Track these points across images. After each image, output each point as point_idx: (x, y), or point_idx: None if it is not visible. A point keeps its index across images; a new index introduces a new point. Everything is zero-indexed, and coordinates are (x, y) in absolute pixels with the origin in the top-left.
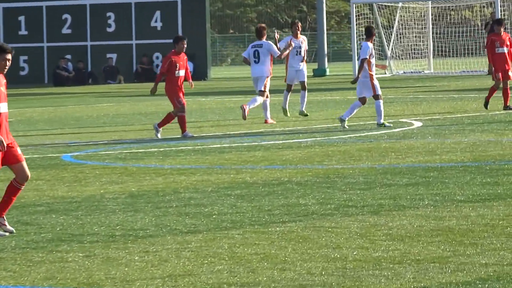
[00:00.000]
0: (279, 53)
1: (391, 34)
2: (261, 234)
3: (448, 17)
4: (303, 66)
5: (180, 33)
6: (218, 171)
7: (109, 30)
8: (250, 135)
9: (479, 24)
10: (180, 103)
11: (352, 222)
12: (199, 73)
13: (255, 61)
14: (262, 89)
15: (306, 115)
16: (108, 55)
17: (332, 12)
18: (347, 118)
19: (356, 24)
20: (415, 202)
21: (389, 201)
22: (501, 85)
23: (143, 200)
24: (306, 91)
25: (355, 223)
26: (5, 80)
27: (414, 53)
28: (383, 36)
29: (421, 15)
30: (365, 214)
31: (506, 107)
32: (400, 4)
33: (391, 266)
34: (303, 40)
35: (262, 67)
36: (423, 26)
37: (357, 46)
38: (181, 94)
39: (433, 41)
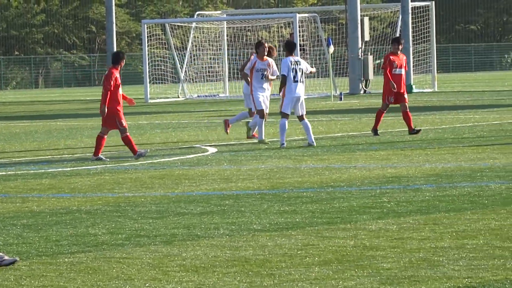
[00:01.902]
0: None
1: (185, 56)
2: (49, 266)
3: (244, 38)
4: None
5: None
6: (3, 199)
7: None
8: (37, 162)
9: (277, 45)
10: (122, 125)
11: (144, 253)
12: None
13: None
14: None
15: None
16: None
17: (123, 33)
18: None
19: (148, 46)
20: (209, 231)
21: (182, 231)
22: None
23: None
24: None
25: (147, 253)
26: None
27: (209, 75)
28: (176, 58)
29: (216, 36)
30: (158, 244)
31: (412, 131)
32: (193, 25)
33: None
34: (269, 63)
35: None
36: (218, 47)
37: (148, 67)
38: (122, 115)
39: (229, 63)
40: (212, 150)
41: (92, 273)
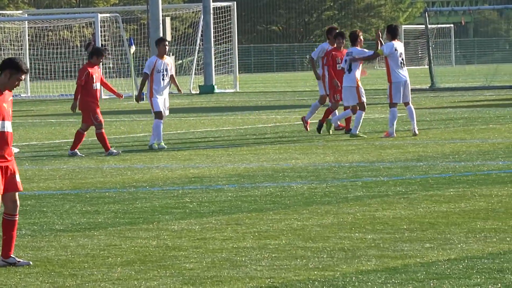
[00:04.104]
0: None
1: None
2: None
3: (46, 38)
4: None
5: None
6: None
7: None
8: None
9: (79, 45)
10: (97, 120)
11: None
12: None
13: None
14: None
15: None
16: None
17: None
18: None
19: None
20: None
21: None
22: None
23: None
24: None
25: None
26: (11, 97)
27: None
28: None
29: (17, 36)
30: None
31: (347, 131)
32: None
33: None
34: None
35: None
36: (20, 47)
37: None
38: (98, 110)
39: (30, 63)
40: (15, 150)
41: None
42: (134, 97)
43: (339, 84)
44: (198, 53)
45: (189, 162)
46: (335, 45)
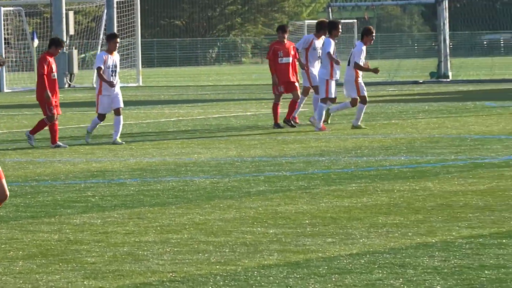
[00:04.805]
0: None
1: None
2: None
3: None
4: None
5: None
6: None
7: None
8: None
9: None
10: (51, 111)
11: None
12: None
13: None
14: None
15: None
16: None
17: None
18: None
19: None
20: None
21: None
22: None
23: None
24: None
25: None
26: None
27: None
28: None
29: None
30: None
31: (287, 121)
32: None
33: None
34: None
35: None
36: None
37: None
38: (54, 101)
39: None
40: None
41: None
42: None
43: (277, 80)
44: (101, 47)
45: (92, 156)
46: (278, 39)
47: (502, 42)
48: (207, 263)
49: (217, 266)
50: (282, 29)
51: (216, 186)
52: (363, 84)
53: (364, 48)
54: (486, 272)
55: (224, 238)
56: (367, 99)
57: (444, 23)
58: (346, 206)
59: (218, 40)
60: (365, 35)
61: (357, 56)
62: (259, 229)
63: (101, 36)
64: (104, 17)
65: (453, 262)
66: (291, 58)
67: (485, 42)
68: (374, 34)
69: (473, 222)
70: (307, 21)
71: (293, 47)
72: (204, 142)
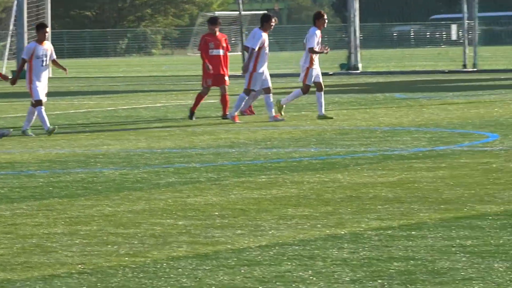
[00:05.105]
0: None
1: None
2: None
3: None
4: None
5: None
6: None
7: None
8: None
9: None
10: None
11: None
12: None
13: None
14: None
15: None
16: None
17: None
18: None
19: None
20: None
21: None
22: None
23: None
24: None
25: None
26: None
27: None
28: None
29: None
30: None
31: (224, 117)
32: None
33: None
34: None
35: None
36: None
37: None
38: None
39: None
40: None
41: None
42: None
43: (210, 67)
44: (11, 38)
45: (1, 147)
46: (208, 31)
47: (412, 34)
48: (116, 254)
49: (126, 258)
50: (211, 21)
51: (125, 177)
52: (314, 73)
53: (317, 32)
54: (395, 263)
55: (134, 229)
56: (323, 87)
57: (354, 15)
58: (255, 197)
59: (128, 31)
60: (316, 19)
61: (311, 41)
62: (168, 220)
63: (11, 27)
64: (14, 8)
65: (362, 253)
66: (222, 51)
67: (395, 34)
68: (325, 17)
69: (382, 214)
70: (217, 13)
71: (225, 39)
72: (113, 134)
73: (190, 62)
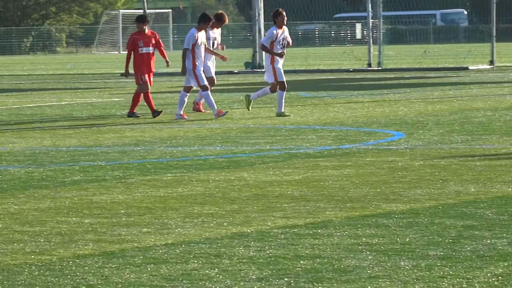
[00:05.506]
0: None
1: None
2: None
3: None
4: None
5: None
6: None
7: None
8: None
9: None
10: None
11: None
12: None
13: None
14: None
15: None
16: None
17: None
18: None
19: None
20: None
21: None
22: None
23: None
24: None
25: None
26: None
27: None
28: None
29: None
30: None
31: (154, 113)
32: None
33: None
34: None
35: None
36: None
37: None
38: None
39: None
40: None
41: None
42: None
43: (128, 71)
44: None
45: None
46: (137, 29)
47: (316, 33)
48: (22, 253)
49: (32, 256)
50: (139, 19)
51: (31, 175)
52: (281, 70)
53: (276, 31)
54: (301, 262)
55: (39, 228)
56: (286, 85)
57: (259, 14)
58: (161, 196)
59: (33, 29)
60: (274, 17)
61: (266, 39)
62: (74, 219)
63: None
64: None
65: (268, 252)
66: (152, 48)
67: (300, 33)
68: (284, 15)
69: (288, 212)
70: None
71: (155, 37)
72: (18, 132)
73: (95, 60)
